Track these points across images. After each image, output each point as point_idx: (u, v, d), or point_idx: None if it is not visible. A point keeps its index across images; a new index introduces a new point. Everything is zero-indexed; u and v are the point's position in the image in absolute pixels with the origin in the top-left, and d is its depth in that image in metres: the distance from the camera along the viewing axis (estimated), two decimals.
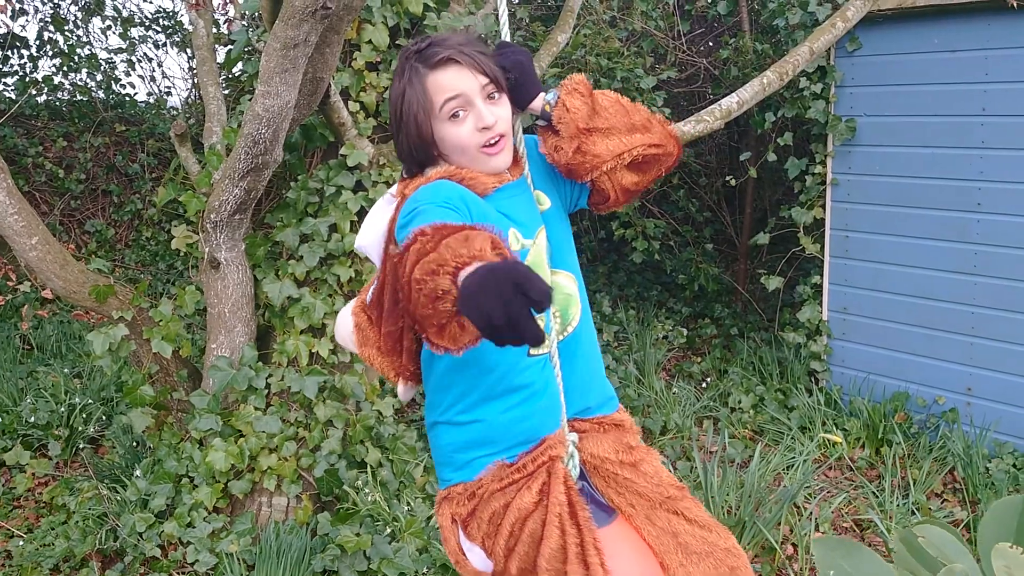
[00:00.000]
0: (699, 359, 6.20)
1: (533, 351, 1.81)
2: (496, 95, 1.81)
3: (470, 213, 1.69)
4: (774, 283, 5.46)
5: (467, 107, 1.78)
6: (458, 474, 1.85)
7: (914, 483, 4.35)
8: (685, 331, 6.43)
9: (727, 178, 5.97)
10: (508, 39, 1.95)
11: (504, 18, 1.96)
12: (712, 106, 4.10)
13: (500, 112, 1.81)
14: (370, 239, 1.90)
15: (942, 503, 4.28)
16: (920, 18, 4.70)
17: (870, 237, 5.04)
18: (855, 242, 5.12)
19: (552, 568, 1.73)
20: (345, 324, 1.98)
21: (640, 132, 1.86)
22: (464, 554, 1.84)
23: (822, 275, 5.31)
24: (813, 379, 5.42)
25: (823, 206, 5.26)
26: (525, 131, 1.98)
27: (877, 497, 4.28)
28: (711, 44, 7.21)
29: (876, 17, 4.79)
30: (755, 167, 5.84)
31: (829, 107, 5.08)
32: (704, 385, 5.70)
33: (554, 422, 1.84)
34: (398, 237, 1.69)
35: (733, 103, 4.08)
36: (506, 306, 1.17)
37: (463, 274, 1.27)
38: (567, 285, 1.90)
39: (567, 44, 5.18)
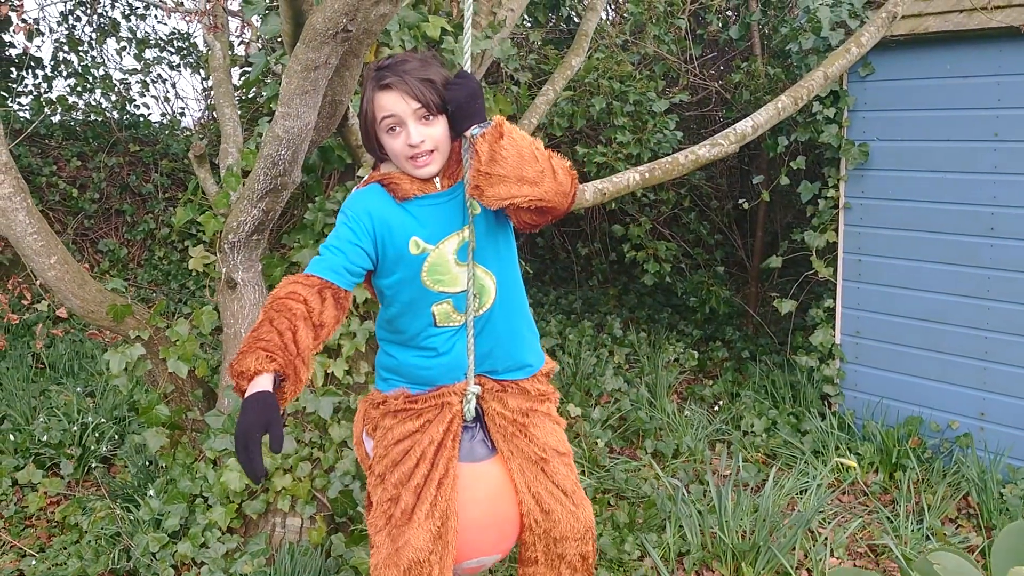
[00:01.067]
0: (711, 382, 6.19)
1: (441, 323, 2.32)
2: (430, 117, 2.20)
3: (372, 225, 2.23)
4: (787, 306, 5.46)
5: (400, 125, 2.20)
6: (380, 384, 2.44)
7: (928, 508, 4.33)
8: (696, 354, 6.43)
9: (740, 201, 5.98)
10: (469, 68, 2.30)
11: (467, 46, 2.31)
12: (727, 130, 4.11)
13: (430, 132, 2.21)
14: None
15: (956, 528, 4.26)
16: (933, 44, 4.73)
17: (883, 261, 5.05)
18: (868, 266, 5.12)
19: (394, 486, 2.27)
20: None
21: (529, 185, 2.12)
22: (363, 441, 2.45)
23: (835, 299, 5.30)
24: (826, 403, 5.40)
25: (836, 230, 5.26)
26: None
27: (892, 522, 4.26)
28: (723, 68, 7.25)
29: (889, 43, 4.81)
30: (768, 190, 5.86)
31: (842, 131, 5.09)
32: (716, 408, 5.68)
33: (455, 376, 2.36)
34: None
35: (748, 127, 4.10)
36: (244, 451, 1.85)
37: (249, 385, 1.94)
38: (483, 277, 2.33)
39: (580, 68, 5.22)
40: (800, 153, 5.57)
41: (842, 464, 4.66)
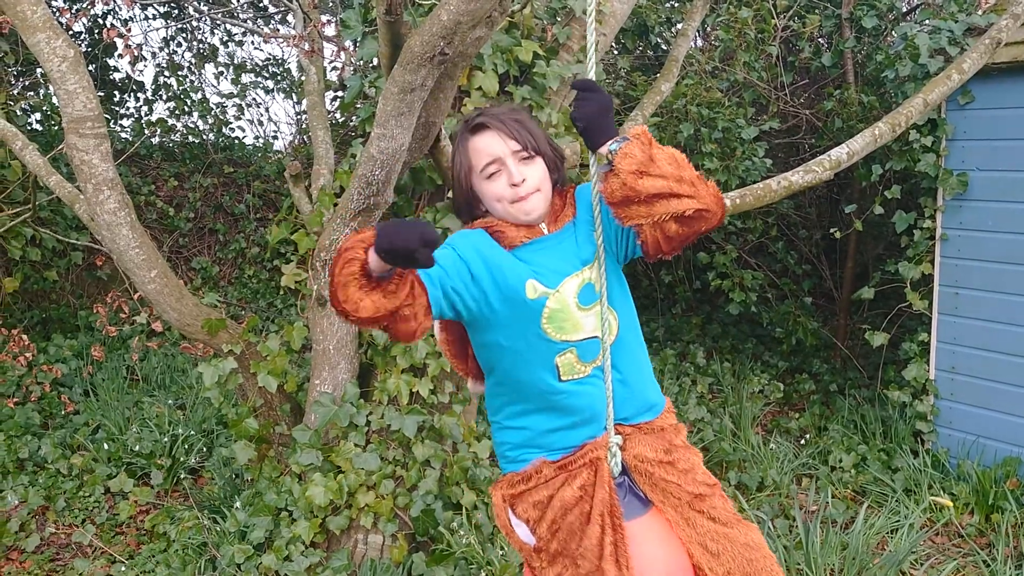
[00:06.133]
0: (797, 415, 6.05)
1: (565, 376, 2.10)
2: (529, 158, 2.08)
3: (482, 260, 2.05)
4: (879, 339, 5.30)
5: (500, 167, 2.08)
6: (510, 466, 2.20)
7: None
8: (782, 385, 6.29)
9: (832, 230, 5.86)
10: (593, 76, 2.10)
11: (591, 52, 2.11)
12: (821, 156, 4.04)
13: (530, 172, 2.08)
14: None
15: None
16: None
17: (981, 295, 4.88)
18: (965, 299, 4.95)
19: (588, 559, 2.05)
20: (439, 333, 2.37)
21: (688, 185, 1.95)
22: (513, 528, 2.19)
23: (929, 332, 5.14)
24: (919, 440, 5.23)
25: (931, 261, 5.11)
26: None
27: (988, 566, 4.08)
28: (815, 96, 7.14)
29: (990, 70, 4.67)
30: (860, 220, 5.73)
31: (940, 160, 4.96)
32: (803, 442, 5.55)
33: (596, 431, 2.15)
34: None
35: (843, 154, 4.02)
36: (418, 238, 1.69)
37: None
38: (607, 317, 2.13)
39: (669, 93, 5.20)
40: (895, 182, 5.44)
41: (936, 504, 4.50)
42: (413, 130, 3.26)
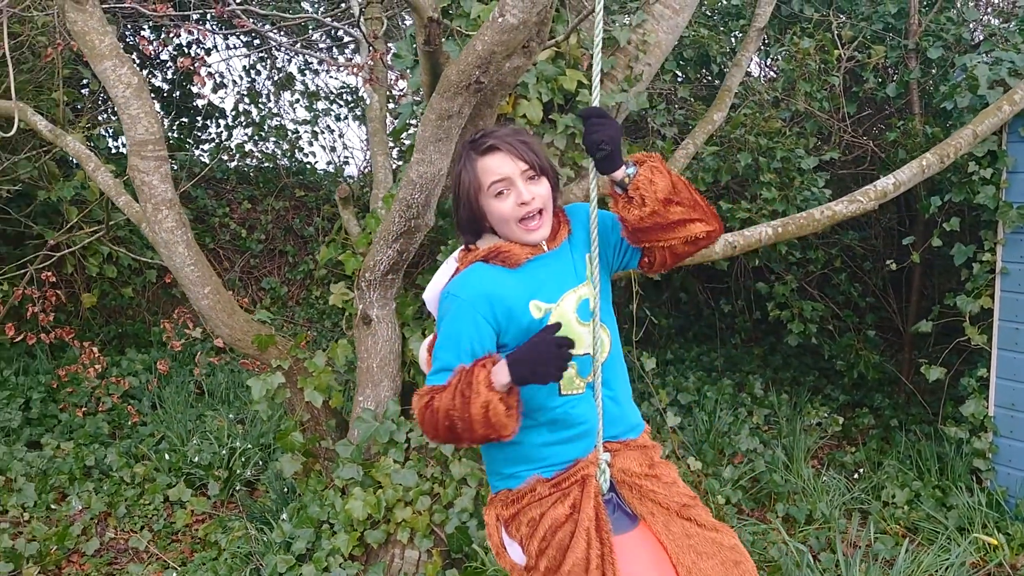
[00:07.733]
0: (853, 449, 5.94)
1: (565, 391, 2.21)
2: (535, 177, 2.20)
3: (493, 310, 2.14)
4: (935, 374, 5.19)
5: (509, 187, 2.18)
6: (503, 483, 2.28)
7: None
8: (841, 419, 6.17)
9: (888, 262, 5.77)
10: (597, 103, 2.20)
11: (596, 81, 2.18)
12: (867, 187, 4.02)
13: (538, 191, 2.20)
14: (431, 295, 2.33)
15: None
16: None
17: None
18: None
19: (574, 573, 2.11)
20: (422, 355, 2.44)
21: (701, 210, 2.19)
22: (504, 548, 2.28)
23: (989, 368, 5.02)
24: (975, 478, 5.09)
25: (992, 295, 5.00)
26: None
27: None
28: (884, 127, 7.04)
29: None
30: (919, 252, 5.63)
31: (1000, 193, 4.86)
32: (856, 476, 5.44)
33: (588, 446, 2.24)
34: (440, 308, 2.23)
35: (889, 185, 3.99)
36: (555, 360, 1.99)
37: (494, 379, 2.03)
38: (600, 333, 2.23)
39: (724, 122, 5.21)
40: (956, 214, 5.33)
41: (985, 543, 4.37)
42: (452, 155, 3.36)
